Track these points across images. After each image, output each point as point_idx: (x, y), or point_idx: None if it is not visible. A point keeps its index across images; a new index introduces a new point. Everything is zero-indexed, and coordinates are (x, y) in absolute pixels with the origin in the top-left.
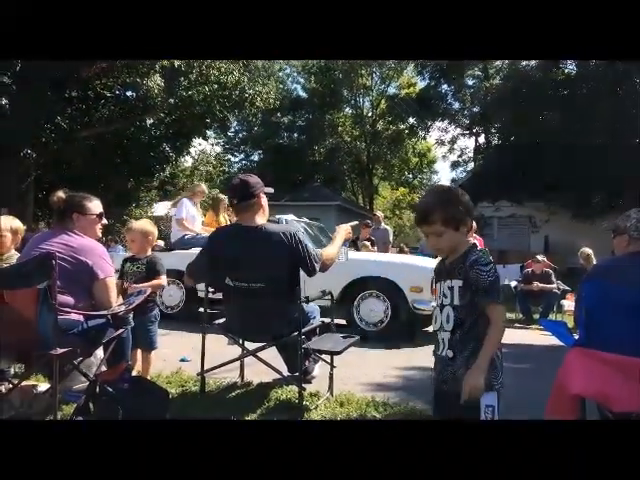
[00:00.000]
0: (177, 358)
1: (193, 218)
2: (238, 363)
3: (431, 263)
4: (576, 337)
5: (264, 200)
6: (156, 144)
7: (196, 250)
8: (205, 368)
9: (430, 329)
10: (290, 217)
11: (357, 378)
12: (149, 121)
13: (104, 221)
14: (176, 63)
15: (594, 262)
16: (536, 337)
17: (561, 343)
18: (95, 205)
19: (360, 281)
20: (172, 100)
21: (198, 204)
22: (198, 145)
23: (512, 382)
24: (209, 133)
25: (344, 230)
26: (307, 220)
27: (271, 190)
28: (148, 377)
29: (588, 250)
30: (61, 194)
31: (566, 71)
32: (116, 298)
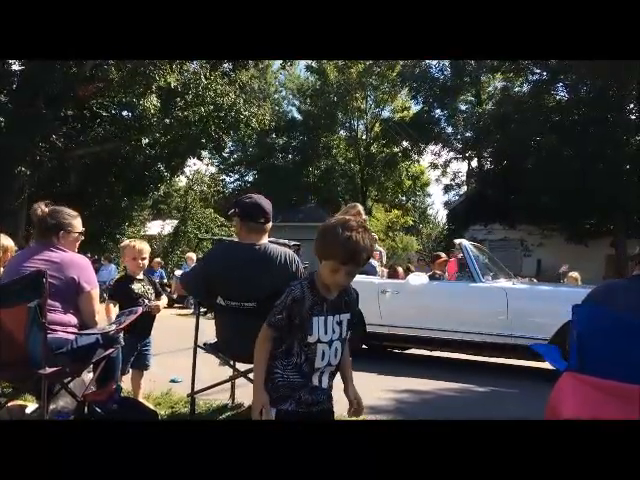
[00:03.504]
0: (167, 379)
1: None
2: (229, 384)
3: None
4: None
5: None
6: (151, 164)
7: (357, 277)
8: (196, 389)
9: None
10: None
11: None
12: (144, 141)
13: (82, 237)
14: (172, 84)
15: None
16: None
17: (552, 367)
18: (79, 222)
19: None
20: (168, 120)
21: None
22: (193, 165)
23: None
24: (204, 153)
25: None
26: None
27: None
28: (139, 398)
29: (575, 274)
30: (44, 208)
31: (557, 97)
32: (101, 311)
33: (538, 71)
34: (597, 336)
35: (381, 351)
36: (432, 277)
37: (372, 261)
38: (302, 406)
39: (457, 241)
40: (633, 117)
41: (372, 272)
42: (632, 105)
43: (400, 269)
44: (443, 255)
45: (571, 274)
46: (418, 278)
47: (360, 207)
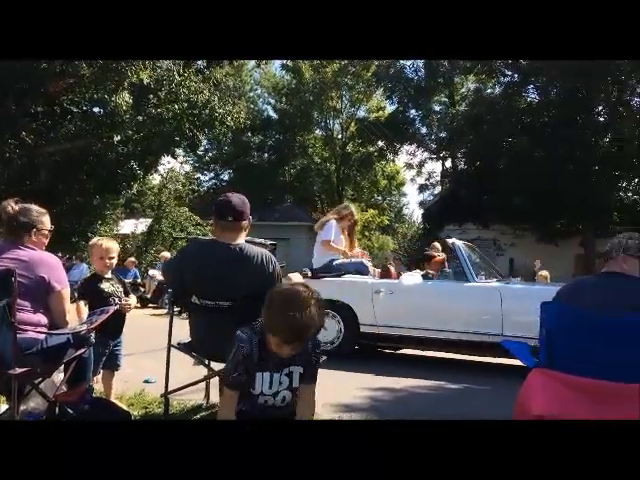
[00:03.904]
0: (141, 379)
1: (341, 242)
2: (204, 384)
3: None
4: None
5: (250, 223)
6: (123, 161)
7: (348, 277)
8: (169, 389)
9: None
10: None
11: (324, 399)
12: (116, 138)
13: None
14: (145, 80)
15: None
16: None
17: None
18: (48, 219)
19: None
20: (140, 117)
21: (345, 228)
22: (167, 163)
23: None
24: (178, 151)
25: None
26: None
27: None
28: (111, 398)
29: (544, 272)
30: (14, 206)
31: (528, 99)
32: (72, 310)
33: (509, 73)
34: (564, 333)
35: (374, 352)
36: (425, 277)
37: (365, 260)
38: (256, 409)
39: (450, 240)
40: (602, 119)
41: (365, 272)
42: (600, 107)
43: (392, 269)
44: (437, 255)
45: (541, 272)
46: (412, 278)
47: (353, 208)
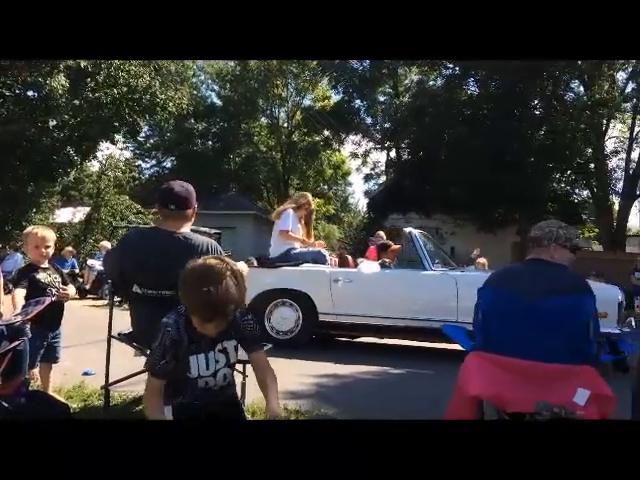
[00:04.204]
0: (80, 371)
1: (298, 231)
2: (146, 375)
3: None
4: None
5: (195, 211)
6: (59, 147)
7: (309, 266)
8: (110, 381)
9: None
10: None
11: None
12: (52, 122)
13: None
14: (82, 63)
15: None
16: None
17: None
18: None
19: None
20: (77, 102)
21: (302, 217)
22: (106, 149)
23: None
24: (118, 137)
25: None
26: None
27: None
28: (49, 392)
29: (482, 259)
30: None
31: (469, 92)
32: (6, 301)
33: (451, 66)
34: (499, 317)
35: (331, 340)
36: (382, 265)
37: (322, 250)
38: (197, 400)
39: (407, 230)
40: (537, 113)
41: (322, 260)
42: (536, 101)
43: (350, 257)
44: (392, 244)
45: (479, 260)
46: (370, 266)
47: (309, 196)
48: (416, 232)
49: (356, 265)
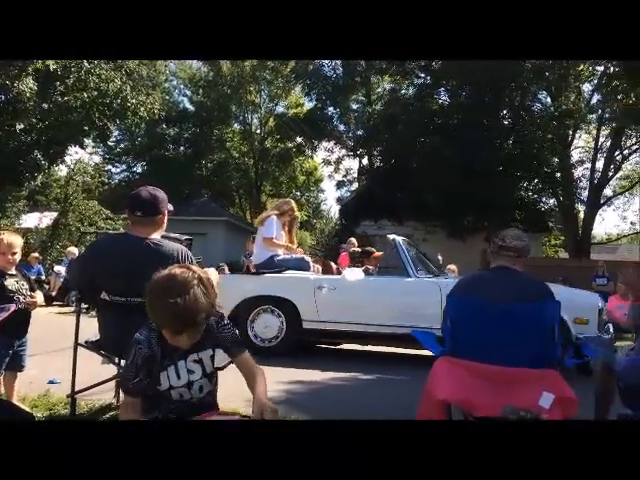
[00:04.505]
0: (46, 380)
1: (282, 238)
2: (113, 383)
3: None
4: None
5: (166, 217)
6: (26, 151)
7: (290, 273)
8: (76, 389)
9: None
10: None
11: (243, 394)
12: (19, 126)
13: None
14: (52, 66)
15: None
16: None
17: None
18: None
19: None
20: (46, 105)
21: (286, 224)
22: (75, 154)
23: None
24: (87, 141)
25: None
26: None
27: (172, 208)
28: (13, 400)
29: (452, 266)
30: None
31: (440, 101)
32: None
33: (423, 75)
34: (467, 323)
35: (315, 348)
36: (365, 272)
37: (305, 257)
38: (172, 412)
39: (390, 237)
40: (506, 122)
41: (306, 267)
42: (505, 111)
43: (333, 264)
44: (376, 251)
45: (449, 266)
46: (354, 274)
47: (293, 203)
48: (399, 239)
49: (339, 272)
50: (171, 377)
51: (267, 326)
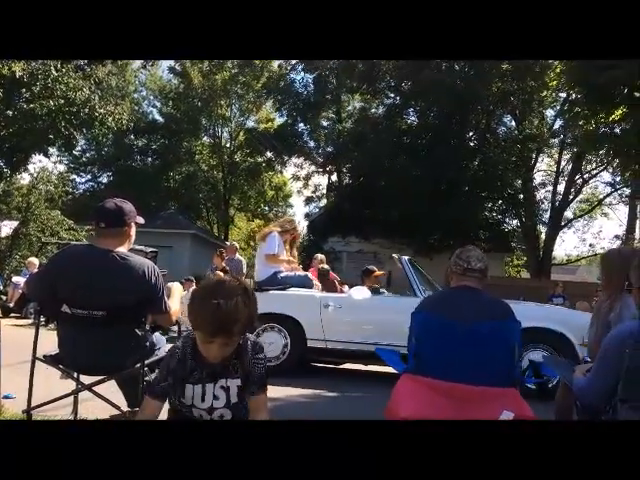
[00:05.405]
0: None
1: (283, 255)
2: (72, 399)
3: None
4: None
5: (133, 230)
6: None
7: (295, 290)
8: (33, 405)
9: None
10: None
11: None
12: None
13: None
14: (18, 73)
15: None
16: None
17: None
18: None
19: None
20: (10, 112)
21: (287, 241)
22: (38, 162)
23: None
24: (52, 150)
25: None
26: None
27: (142, 221)
28: None
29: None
30: None
31: (408, 121)
32: None
33: (392, 95)
34: (430, 340)
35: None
36: (373, 291)
37: (308, 274)
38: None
39: (395, 256)
40: (472, 144)
41: (309, 285)
42: (471, 133)
43: (337, 283)
44: (376, 269)
45: None
46: (360, 292)
47: (296, 222)
48: (405, 258)
49: (342, 290)
50: (196, 396)
51: (271, 344)
